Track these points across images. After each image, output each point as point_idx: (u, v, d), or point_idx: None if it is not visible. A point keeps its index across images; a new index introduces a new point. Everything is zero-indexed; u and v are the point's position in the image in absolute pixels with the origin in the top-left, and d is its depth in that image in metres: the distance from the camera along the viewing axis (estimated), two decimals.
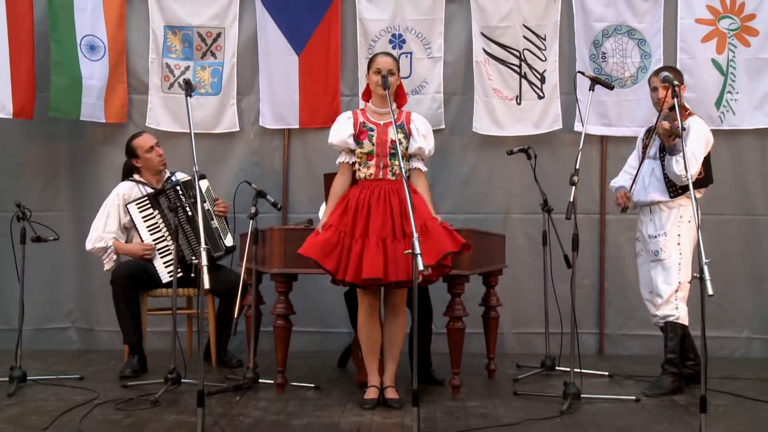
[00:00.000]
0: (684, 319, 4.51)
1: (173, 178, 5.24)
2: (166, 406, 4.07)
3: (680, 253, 4.52)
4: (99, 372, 4.99)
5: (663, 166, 4.60)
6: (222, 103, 5.90)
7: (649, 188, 4.64)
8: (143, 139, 5.21)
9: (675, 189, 4.56)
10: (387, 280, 3.93)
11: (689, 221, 4.51)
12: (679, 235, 4.54)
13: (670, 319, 4.50)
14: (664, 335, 4.56)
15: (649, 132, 4.75)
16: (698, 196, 4.56)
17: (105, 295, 5.38)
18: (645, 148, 4.76)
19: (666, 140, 4.47)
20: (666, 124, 4.39)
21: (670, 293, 4.49)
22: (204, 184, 5.23)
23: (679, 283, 4.49)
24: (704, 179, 4.62)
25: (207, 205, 5.17)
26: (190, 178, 5.18)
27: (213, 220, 5.18)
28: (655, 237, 4.59)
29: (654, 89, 4.68)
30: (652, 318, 4.71)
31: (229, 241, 5.20)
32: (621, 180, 4.93)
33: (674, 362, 4.50)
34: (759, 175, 5.83)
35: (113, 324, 5.29)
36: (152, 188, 5.19)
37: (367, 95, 4.30)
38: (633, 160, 4.92)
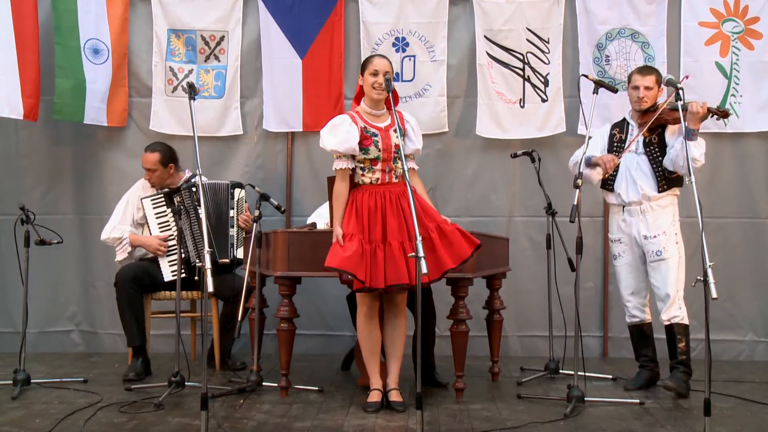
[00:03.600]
0: (686, 319, 4.53)
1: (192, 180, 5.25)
2: (169, 409, 4.07)
3: (679, 253, 4.56)
4: (102, 375, 4.99)
5: (650, 160, 4.58)
6: (225, 107, 5.91)
7: (639, 183, 4.58)
8: (142, 160, 5.25)
9: (663, 184, 4.56)
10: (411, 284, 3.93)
11: (679, 220, 4.63)
12: (676, 234, 4.59)
13: (676, 320, 4.50)
14: (670, 336, 4.53)
15: (621, 127, 4.72)
16: (678, 194, 4.66)
17: (109, 298, 5.40)
18: (619, 142, 4.70)
19: (695, 123, 4.35)
20: (704, 105, 4.33)
21: (675, 293, 4.49)
22: (238, 192, 5.24)
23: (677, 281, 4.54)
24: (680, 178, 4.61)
25: (233, 213, 5.18)
26: (227, 183, 5.23)
27: (233, 227, 5.18)
28: (654, 237, 4.56)
29: (635, 88, 4.63)
30: (630, 318, 4.75)
31: (240, 253, 5.19)
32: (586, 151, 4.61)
33: (686, 363, 4.50)
34: (763, 177, 5.82)
35: (117, 327, 5.30)
36: (168, 187, 5.21)
37: (360, 98, 4.24)
38: (594, 151, 4.69)
